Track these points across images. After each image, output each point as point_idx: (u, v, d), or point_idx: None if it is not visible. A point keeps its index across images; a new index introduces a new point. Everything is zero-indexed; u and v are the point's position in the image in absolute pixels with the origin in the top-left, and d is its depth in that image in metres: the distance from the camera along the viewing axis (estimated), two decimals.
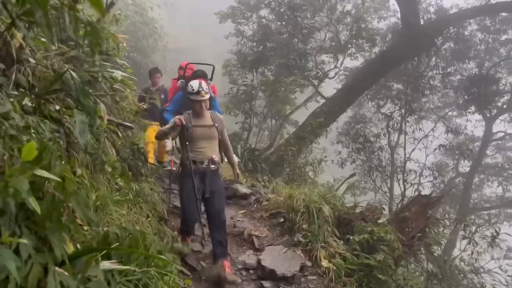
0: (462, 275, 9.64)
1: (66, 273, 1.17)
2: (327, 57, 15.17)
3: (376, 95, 15.03)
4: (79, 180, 1.92)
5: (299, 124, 13.28)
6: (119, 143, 4.09)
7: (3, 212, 1.09)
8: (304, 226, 5.72)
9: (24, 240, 1.08)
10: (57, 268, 1.15)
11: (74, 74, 2.99)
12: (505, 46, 15.85)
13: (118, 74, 4.25)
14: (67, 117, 3.04)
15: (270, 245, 5.59)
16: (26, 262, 1.06)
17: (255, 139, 14.44)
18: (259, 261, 5.06)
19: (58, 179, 1.20)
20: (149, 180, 5.08)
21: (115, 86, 4.69)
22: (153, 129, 7.39)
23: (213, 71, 6.52)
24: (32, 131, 1.59)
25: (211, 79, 6.34)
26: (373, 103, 15.59)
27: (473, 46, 15.15)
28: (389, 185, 13.64)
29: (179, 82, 6.51)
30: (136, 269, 1.74)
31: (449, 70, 14.92)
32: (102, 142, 3.09)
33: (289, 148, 9.96)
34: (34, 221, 1.20)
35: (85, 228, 1.64)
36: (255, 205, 7.01)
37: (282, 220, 6.24)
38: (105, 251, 1.54)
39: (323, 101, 13.90)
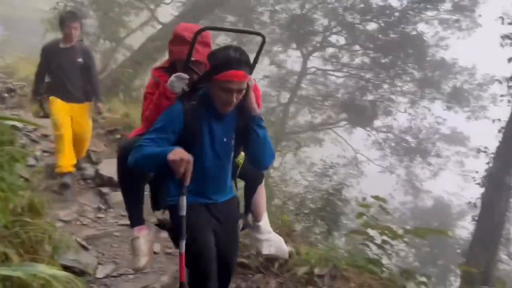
0: (275, 185, 11.68)
1: None
2: None
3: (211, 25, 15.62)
4: None
5: (134, 49, 13.13)
6: None
7: None
8: None
9: None
10: None
11: None
12: None
13: None
14: None
15: (108, 158, 5.97)
16: None
17: None
18: (97, 171, 5.44)
19: None
20: None
21: None
22: (70, 111, 4.78)
23: (262, 46, 2.40)
24: None
25: (251, 68, 2.24)
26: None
27: None
28: None
29: (177, 77, 2.26)
30: None
31: (276, 8, 16.39)
32: None
33: (126, 70, 10.01)
34: None
35: None
36: None
37: (119, 136, 6.61)
38: None
39: (159, 26, 13.88)
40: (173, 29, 2.40)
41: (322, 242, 6.72)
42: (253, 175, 2.70)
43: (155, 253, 3.66)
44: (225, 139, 2.25)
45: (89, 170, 5.57)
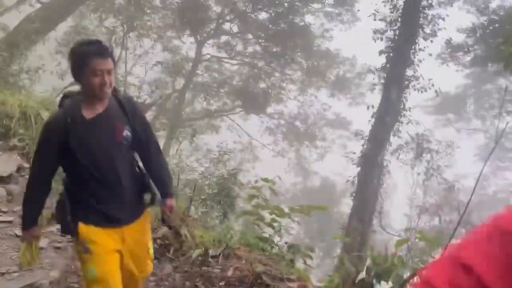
0: (172, 173, 11.60)
1: None
2: None
3: (98, 7, 14.79)
4: None
5: (9, 28, 11.86)
6: None
7: None
8: (20, 131, 5.80)
9: None
10: None
11: None
12: None
13: None
14: None
15: None
16: None
17: None
18: None
19: None
20: None
21: None
22: (118, 241, 2.18)
23: None
24: None
25: None
26: (96, 15, 15.32)
27: None
28: None
29: None
30: None
31: None
32: None
33: (0, 54, 9.03)
34: None
35: None
36: None
37: None
38: None
39: (39, 5, 12.72)
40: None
41: (219, 226, 6.95)
42: None
43: (42, 248, 3.51)
44: None
45: None
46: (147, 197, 2.27)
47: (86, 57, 1.97)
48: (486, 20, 13.63)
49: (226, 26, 19.02)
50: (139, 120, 2.21)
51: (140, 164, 2.30)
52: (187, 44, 18.58)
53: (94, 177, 2.08)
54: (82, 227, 2.10)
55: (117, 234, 2.16)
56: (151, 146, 2.29)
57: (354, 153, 10.15)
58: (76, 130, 2.03)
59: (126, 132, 2.13)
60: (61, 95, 2.06)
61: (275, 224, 4.48)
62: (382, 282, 3.31)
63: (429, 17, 10.85)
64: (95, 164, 2.08)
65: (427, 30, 10.85)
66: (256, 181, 5.79)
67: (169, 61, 17.58)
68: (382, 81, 10.36)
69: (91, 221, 2.10)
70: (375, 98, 11.80)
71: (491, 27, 13.13)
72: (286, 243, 4.72)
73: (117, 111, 2.15)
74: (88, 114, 2.07)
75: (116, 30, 14.41)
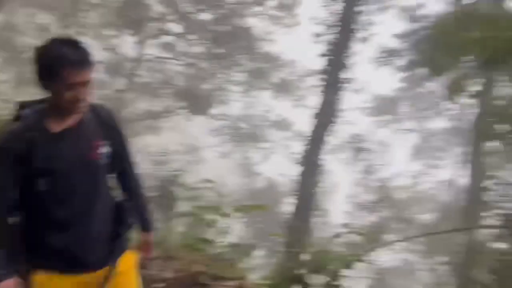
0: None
1: None
2: None
3: (29, 3, 14.02)
4: None
5: None
6: None
7: None
8: None
9: None
10: None
11: None
12: None
13: None
14: None
15: None
16: None
17: None
18: None
19: None
20: None
21: None
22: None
23: None
24: None
25: None
26: (27, 11, 14.53)
27: None
28: None
29: None
30: None
31: None
32: None
33: None
34: None
35: None
36: None
37: None
38: None
39: None
40: None
41: (159, 228, 6.83)
42: None
43: None
44: None
45: None
46: (124, 230, 1.79)
47: (58, 66, 1.49)
48: (417, 27, 14.49)
49: (169, 26, 18.71)
50: (117, 134, 1.77)
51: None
52: (128, 44, 18.06)
53: (58, 206, 1.61)
54: (40, 279, 1.62)
55: (85, 284, 1.69)
56: (126, 163, 1.83)
57: (297, 153, 10.42)
58: (40, 147, 1.57)
59: (104, 148, 1.68)
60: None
61: (216, 225, 4.51)
62: (318, 276, 3.45)
63: (365, 23, 11.38)
64: (63, 187, 1.61)
65: (364, 35, 11.37)
66: (199, 183, 5.78)
67: (109, 60, 17.01)
68: (322, 83, 10.70)
69: (53, 266, 1.62)
70: (315, 100, 12.16)
71: (421, 33, 13.98)
72: (228, 243, 4.75)
73: (92, 122, 1.68)
74: (55, 127, 1.61)
75: (49, 27, 13.72)
